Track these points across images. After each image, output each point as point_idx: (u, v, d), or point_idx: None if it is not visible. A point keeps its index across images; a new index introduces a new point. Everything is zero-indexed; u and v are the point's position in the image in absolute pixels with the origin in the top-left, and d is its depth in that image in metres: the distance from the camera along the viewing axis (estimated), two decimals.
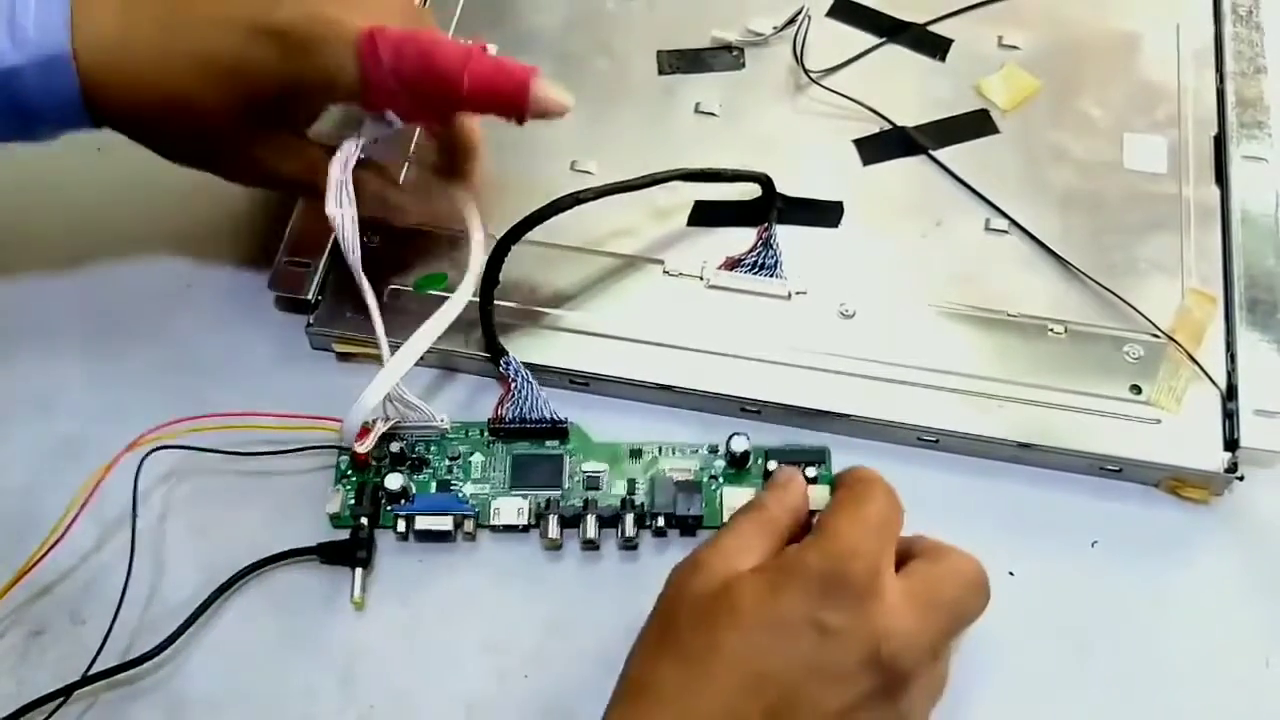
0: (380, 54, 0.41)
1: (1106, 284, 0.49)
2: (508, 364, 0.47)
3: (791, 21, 0.55)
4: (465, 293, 0.46)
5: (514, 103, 0.42)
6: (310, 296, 0.49)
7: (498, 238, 0.47)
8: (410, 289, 0.49)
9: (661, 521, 0.45)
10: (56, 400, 0.49)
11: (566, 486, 0.46)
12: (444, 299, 0.46)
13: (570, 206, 0.46)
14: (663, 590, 0.40)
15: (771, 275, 0.49)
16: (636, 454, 0.46)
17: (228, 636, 0.44)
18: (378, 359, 0.46)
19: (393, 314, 0.48)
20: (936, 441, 0.47)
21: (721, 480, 0.46)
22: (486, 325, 0.47)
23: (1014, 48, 0.55)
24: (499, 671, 0.43)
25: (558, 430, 0.46)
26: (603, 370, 0.47)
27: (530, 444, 0.46)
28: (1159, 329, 0.48)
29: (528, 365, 0.47)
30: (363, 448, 0.45)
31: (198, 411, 0.47)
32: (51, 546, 0.43)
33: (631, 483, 0.46)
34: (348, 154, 0.43)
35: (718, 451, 0.46)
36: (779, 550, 0.39)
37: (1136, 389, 0.47)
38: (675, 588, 0.39)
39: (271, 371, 0.49)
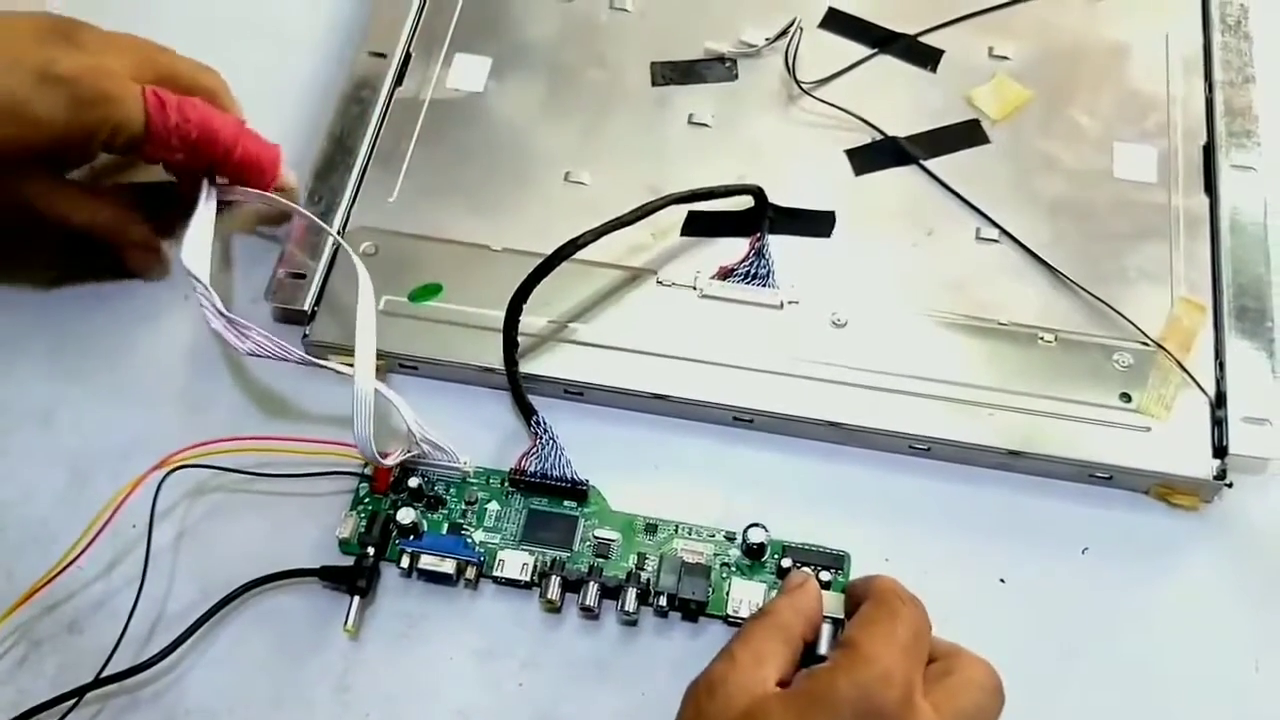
0: (167, 112, 0.45)
1: (1096, 292, 0.49)
2: (538, 423, 0.47)
3: (784, 33, 0.56)
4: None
5: (268, 173, 0.50)
6: (307, 307, 0.49)
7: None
8: (405, 299, 0.49)
9: (664, 601, 0.43)
10: (56, 412, 0.49)
11: (576, 549, 0.45)
12: (443, 311, 0.48)
13: (570, 255, 0.46)
14: (679, 712, 0.37)
15: (764, 285, 0.50)
16: (652, 529, 0.45)
17: (225, 650, 0.44)
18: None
19: (389, 327, 0.48)
20: (928, 449, 0.47)
21: (734, 569, 0.45)
22: (514, 385, 0.47)
23: (1004, 58, 0.56)
24: (494, 679, 0.43)
25: (577, 492, 0.46)
26: (597, 380, 0.48)
27: (548, 501, 0.46)
28: (1148, 337, 0.48)
29: (523, 376, 0.48)
30: (390, 461, 0.45)
31: (196, 418, 0.48)
32: (66, 566, 0.43)
33: (641, 557, 0.45)
34: (208, 301, 0.46)
35: (734, 540, 0.45)
36: (794, 659, 0.38)
37: (1126, 397, 0.47)
38: (693, 709, 0.37)
39: (268, 382, 0.49)
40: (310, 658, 0.44)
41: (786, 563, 0.44)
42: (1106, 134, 0.53)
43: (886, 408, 0.47)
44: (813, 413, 0.47)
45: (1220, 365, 0.48)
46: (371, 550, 0.44)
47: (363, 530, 0.45)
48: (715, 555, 0.45)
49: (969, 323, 0.49)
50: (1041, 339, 0.48)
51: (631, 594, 0.44)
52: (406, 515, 0.45)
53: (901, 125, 0.54)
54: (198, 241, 0.48)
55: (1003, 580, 0.45)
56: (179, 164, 0.48)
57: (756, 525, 0.44)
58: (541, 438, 0.47)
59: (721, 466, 0.47)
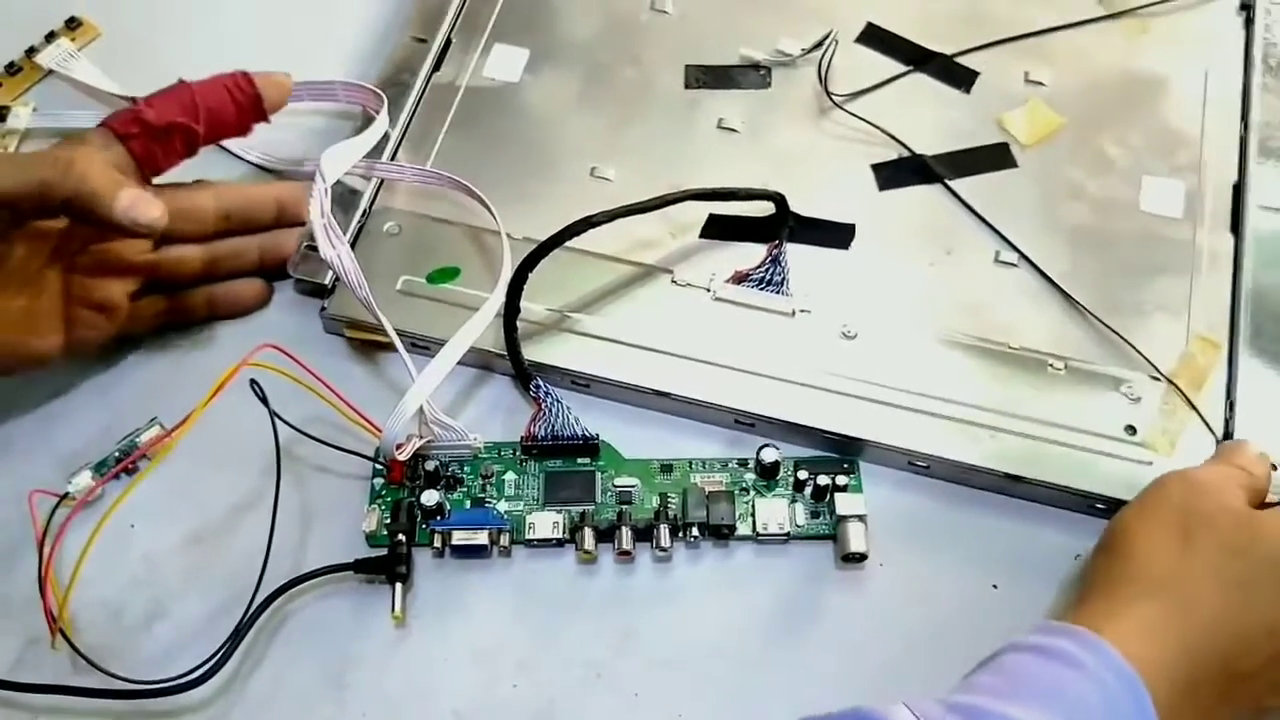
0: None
1: (1111, 324, 0.49)
2: (537, 387, 0.48)
3: (819, 45, 0.56)
4: (496, 300, 0.48)
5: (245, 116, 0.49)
6: (327, 282, 0.50)
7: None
8: (423, 280, 0.50)
9: (696, 531, 0.45)
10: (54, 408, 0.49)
11: (599, 501, 0.46)
12: (458, 295, 0.49)
13: (583, 230, 0.47)
14: (1159, 493, 0.42)
15: (778, 292, 0.50)
16: (668, 469, 0.47)
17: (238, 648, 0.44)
18: (387, 346, 0.47)
19: (405, 306, 0.49)
20: (928, 467, 0.47)
21: (753, 491, 0.46)
22: (513, 352, 0.48)
23: (1039, 84, 0.56)
24: (489, 679, 0.44)
25: (589, 447, 0.47)
26: (604, 373, 0.48)
27: (562, 461, 0.47)
28: (1159, 371, 0.48)
29: (531, 364, 0.48)
30: (403, 455, 0.46)
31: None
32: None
33: (664, 496, 0.46)
34: (319, 195, 0.45)
35: (747, 465, 0.47)
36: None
37: (1131, 429, 0.47)
38: (1186, 496, 0.42)
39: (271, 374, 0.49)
40: (312, 643, 0.44)
41: (803, 474, 0.46)
42: (1136, 166, 0.53)
43: (890, 423, 0.47)
44: (815, 422, 0.47)
45: (1230, 405, 0.47)
46: (402, 536, 0.45)
47: (388, 521, 0.46)
48: (733, 481, 0.46)
49: (980, 345, 0.49)
50: (1051, 366, 0.48)
51: (664, 530, 0.45)
52: (430, 497, 0.45)
53: (930, 144, 0.54)
54: (345, 154, 0.49)
55: (995, 586, 0.45)
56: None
57: (768, 445, 0.46)
58: (545, 401, 0.47)
59: None
